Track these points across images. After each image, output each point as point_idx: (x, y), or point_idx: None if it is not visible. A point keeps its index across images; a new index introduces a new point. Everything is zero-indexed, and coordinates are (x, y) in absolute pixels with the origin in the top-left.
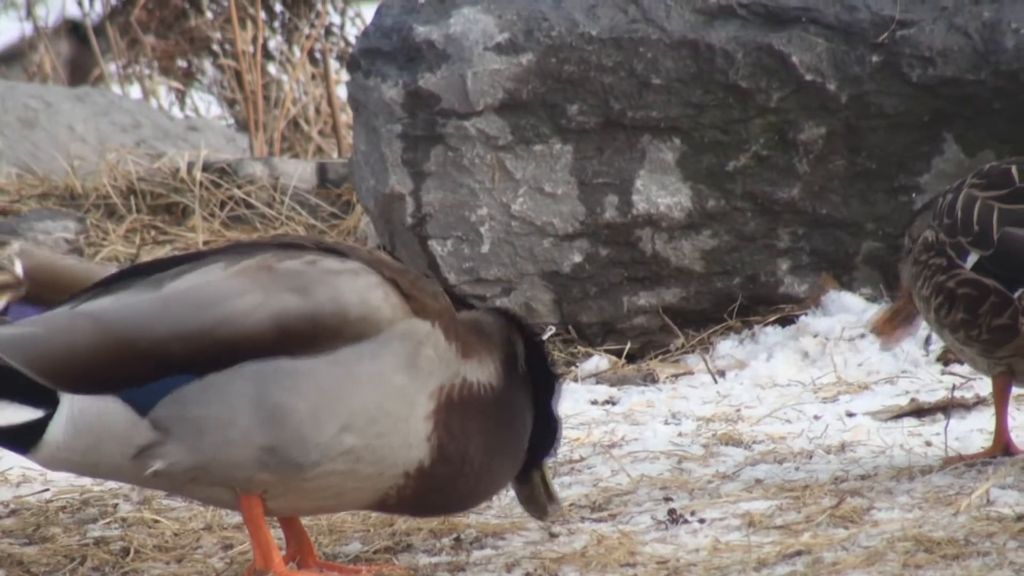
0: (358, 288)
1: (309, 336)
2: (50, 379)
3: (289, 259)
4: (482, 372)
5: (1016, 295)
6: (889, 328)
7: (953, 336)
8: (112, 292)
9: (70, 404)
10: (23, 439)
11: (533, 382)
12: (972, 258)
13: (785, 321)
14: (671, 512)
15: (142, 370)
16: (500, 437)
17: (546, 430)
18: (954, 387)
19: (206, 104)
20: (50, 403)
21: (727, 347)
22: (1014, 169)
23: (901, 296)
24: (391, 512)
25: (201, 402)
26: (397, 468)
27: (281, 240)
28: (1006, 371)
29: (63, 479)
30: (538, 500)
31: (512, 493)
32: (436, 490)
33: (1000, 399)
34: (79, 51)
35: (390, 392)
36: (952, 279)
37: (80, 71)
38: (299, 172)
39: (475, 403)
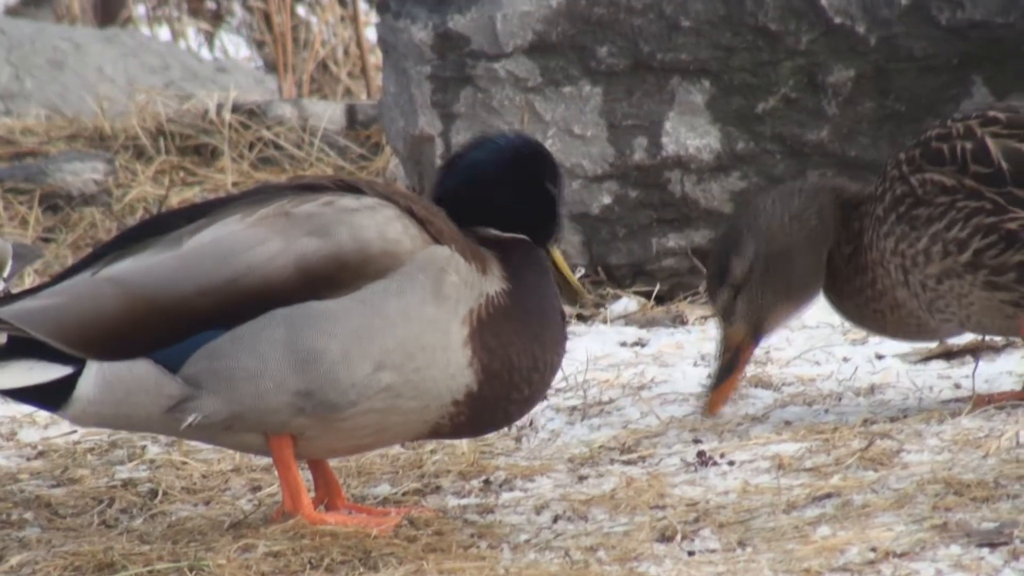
0: (376, 223)
1: (333, 276)
2: (78, 349)
3: (305, 202)
4: (495, 281)
5: None
6: (725, 395)
7: (989, 278)
8: (130, 253)
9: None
10: (53, 397)
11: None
12: None
13: None
14: (700, 454)
15: (170, 330)
16: (534, 330)
17: (546, 216)
18: None
19: (235, 46)
20: (78, 360)
21: None
22: None
23: (728, 349)
24: (448, 438)
25: (232, 354)
26: (443, 398)
27: (297, 182)
28: None
29: None
30: (563, 287)
31: (540, 436)
32: (491, 408)
33: None
34: None
35: (422, 325)
36: (1013, 221)
37: (109, 13)
38: (328, 114)
39: (502, 313)
